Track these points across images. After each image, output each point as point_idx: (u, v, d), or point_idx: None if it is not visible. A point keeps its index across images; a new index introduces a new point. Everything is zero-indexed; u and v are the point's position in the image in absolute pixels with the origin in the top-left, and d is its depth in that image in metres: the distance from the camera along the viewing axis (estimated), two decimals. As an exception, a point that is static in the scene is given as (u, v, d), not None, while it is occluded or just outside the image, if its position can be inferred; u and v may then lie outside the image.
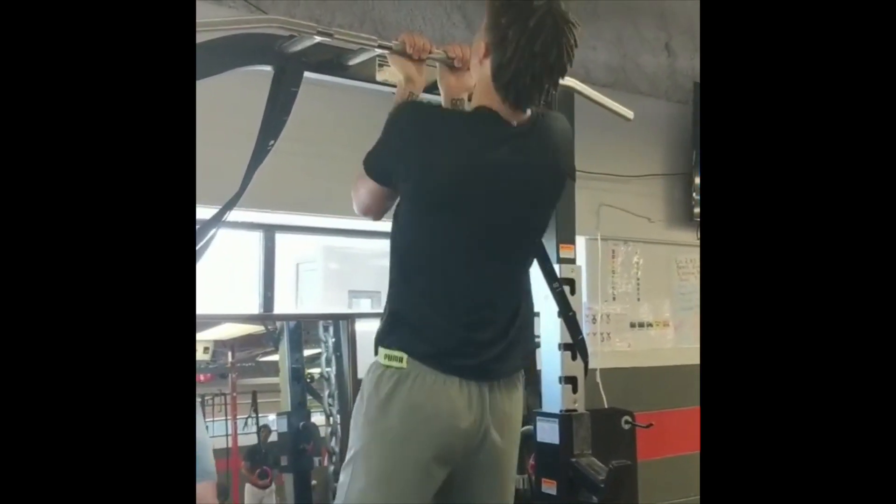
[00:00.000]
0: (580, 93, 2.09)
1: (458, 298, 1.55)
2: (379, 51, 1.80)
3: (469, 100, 1.83)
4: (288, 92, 1.78)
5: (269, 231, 2.92)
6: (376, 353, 1.57)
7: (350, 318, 2.87)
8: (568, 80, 2.06)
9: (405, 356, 1.51)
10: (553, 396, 2.20)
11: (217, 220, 1.73)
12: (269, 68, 1.83)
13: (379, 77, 1.94)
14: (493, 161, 1.53)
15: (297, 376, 3.23)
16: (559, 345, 2.19)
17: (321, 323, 3.13)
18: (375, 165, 1.59)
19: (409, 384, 1.50)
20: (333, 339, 3.10)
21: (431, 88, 1.80)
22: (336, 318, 3.08)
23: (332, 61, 1.87)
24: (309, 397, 3.08)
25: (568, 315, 2.13)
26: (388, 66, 1.95)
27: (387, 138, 1.58)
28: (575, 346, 2.16)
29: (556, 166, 1.63)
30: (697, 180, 3.81)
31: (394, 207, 1.62)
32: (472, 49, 1.60)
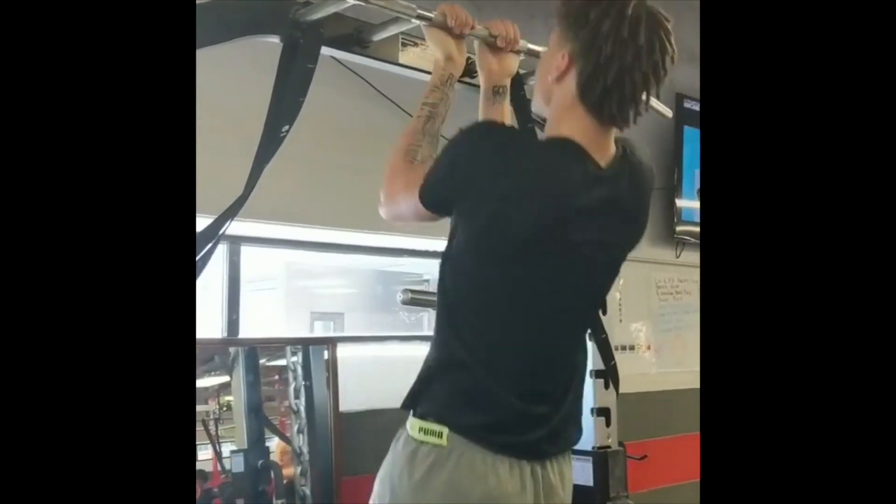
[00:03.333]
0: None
1: (518, 363, 1.29)
2: (411, 24, 1.52)
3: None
4: (303, 68, 1.48)
5: (235, 243, 2.57)
6: (408, 411, 1.29)
7: (332, 343, 2.54)
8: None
9: (446, 431, 1.23)
10: (584, 431, 1.93)
11: (218, 229, 1.40)
12: (276, 40, 1.53)
13: (402, 59, 1.66)
14: (580, 212, 1.26)
15: (255, 409, 2.89)
16: (590, 371, 1.93)
17: (288, 348, 2.79)
18: (433, 194, 1.29)
19: (451, 465, 1.23)
20: (303, 367, 2.76)
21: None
22: (307, 343, 2.75)
23: (350, 36, 1.58)
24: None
25: (601, 338, 1.88)
26: (413, 45, 1.68)
27: (453, 163, 1.28)
28: (607, 372, 1.91)
29: (638, 220, 1.39)
30: (685, 198, 3.65)
31: (447, 241, 1.32)
32: (543, 68, 1.33)
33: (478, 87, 1.61)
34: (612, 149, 1.30)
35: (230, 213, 1.39)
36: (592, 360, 1.93)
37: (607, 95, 1.23)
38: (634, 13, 1.22)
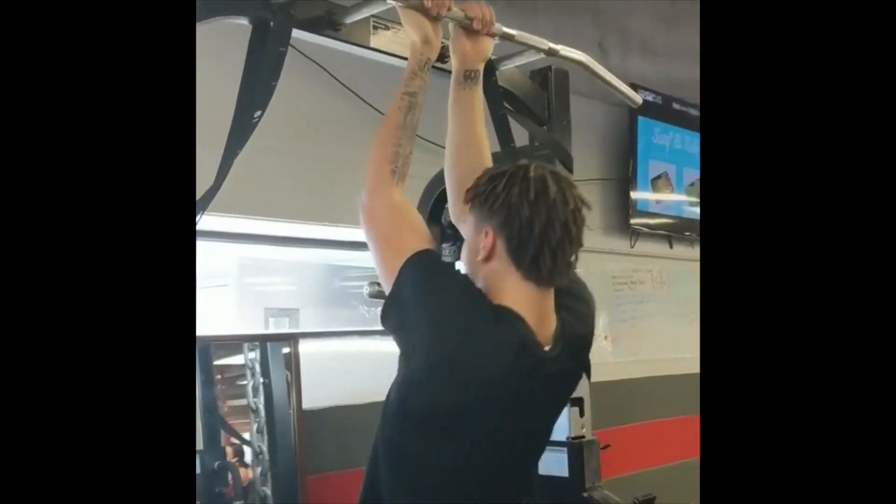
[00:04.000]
0: (590, 70, 1.82)
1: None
2: (386, 5, 1.47)
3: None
4: (275, 51, 1.42)
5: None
6: None
7: (293, 339, 2.47)
8: (578, 55, 1.80)
9: None
10: (558, 422, 1.91)
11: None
12: (245, 23, 1.46)
13: (373, 42, 1.61)
14: (522, 389, 1.28)
15: (210, 409, 2.79)
16: (564, 361, 1.90)
17: (246, 345, 2.70)
18: (390, 314, 1.28)
19: None
20: (261, 364, 2.68)
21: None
22: (263, 340, 2.67)
23: (322, 18, 1.52)
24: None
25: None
26: (385, 29, 1.62)
27: (406, 307, 1.26)
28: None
29: (578, 376, 1.43)
30: (639, 190, 3.67)
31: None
32: (471, 249, 1.32)
33: (448, 72, 1.56)
34: (554, 319, 1.32)
35: (200, 205, 1.32)
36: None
37: (539, 256, 1.25)
38: (536, 174, 1.26)
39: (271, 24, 1.44)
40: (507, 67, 1.80)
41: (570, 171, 2.03)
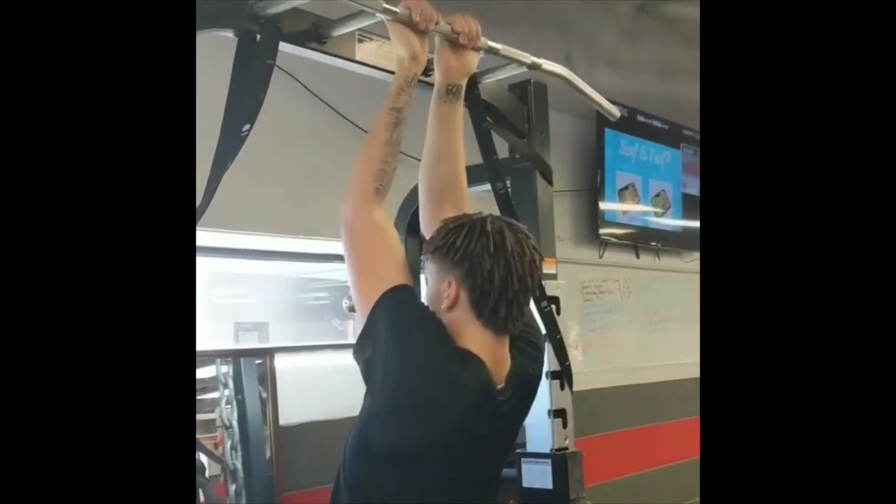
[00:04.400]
0: (571, 84, 1.84)
1: None
2: (372, 20, 1.46)
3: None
4: (263, 64, 1.40)
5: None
6: None
7: (269, 353, 2.44)
8: (560, 69, 1.82)
9: None
10: (541, 433, 1.91)
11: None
12: (230, 35, 1.44)
13: (359, 55, 1.60)
14: (478, 428, 1.32)
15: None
16: (547, 373, 1.90)
17: (218, 360, 2.66)
18: (361, 349, 1.29)
19: None
20: (234, 380, 2.64)
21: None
22: (239, 355, 2.63)
23: (308, 31, 1.50)
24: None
25: (556, 339, 1.85)
26: (370, 41, 1.62)
27: (377, 343, 1.27)
28: (562, 373, 1.89)
29: (524, 415, 1.47)
30: (607, 200, 3.70)
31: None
32: (435, 296, 1.34)
33: (431, 85, 1.56)
34: (508, 361, 1.36)
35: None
36: (548, 361, 1.92)
37: (498, 307, 1.29)
38: (494, 227, 1.30)
39: (257, 36, 1.43)
40: (489, 81, 1.80)
41: (550, 182, 2.05)
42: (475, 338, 1.31)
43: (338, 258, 3.26)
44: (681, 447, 3.95)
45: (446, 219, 1.38)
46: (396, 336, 1.27)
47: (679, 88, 4.21)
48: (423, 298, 1.40)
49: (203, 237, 2.58)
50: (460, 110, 1.53)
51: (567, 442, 1.95)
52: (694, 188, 4.08)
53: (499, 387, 1.33)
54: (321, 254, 3.12)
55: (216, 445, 2.67)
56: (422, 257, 1.43)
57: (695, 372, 4.51)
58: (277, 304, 3.42)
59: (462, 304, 1.31)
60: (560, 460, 1.89)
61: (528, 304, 1.36)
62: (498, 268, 1.28)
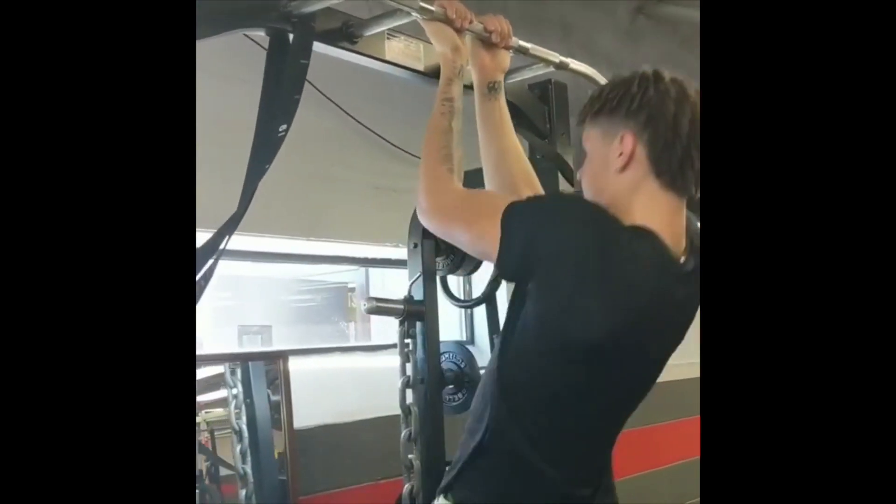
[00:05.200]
0: (596, 83, 1.83)
1: (573, 451, 1.26)
2: (406, 19, 1.45)
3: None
4: (297, 64, 1.38)
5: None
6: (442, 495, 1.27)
7: (283, 356, 2.41)
8: (586, 69, 1.81)
9: None
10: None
11: (215, 247, 1.29)
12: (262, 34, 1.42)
13: (388, 54, 1.58)
14: (663, 311, 1.21)
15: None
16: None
17: (227, 365, 2.63)
18: (509, 266, 1.19)
19: None
20: (243, 384, 2.61)
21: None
22: (247, 359, 2.60)
23: (340, 30, 1.49)
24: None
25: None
26: (399, 39, 1.60)
27: (534, 238, 1.15)
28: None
29: (697, 304, 1.29)
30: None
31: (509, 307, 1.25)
32: (595, 164, 1.24)
33: (467, 87, 1.55)
34: (685, 235, 1.23)
35: (227, 229, 1.28)
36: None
37: (686, 159, 1.17)
38: (672, 76, 1.21)
39: (290, 35, 1.41)
40: (514, 81, 1.79)
41: (572, 183, 2.04)
42: (651, 205, 1.18)
43: (340, 259, 3.23)
44: (658, 454, 3.97)
45: (600, 86, 1.27)
46: (546, 222, 1.15)
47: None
48: (581, 174, 1.26)
49: (205, 239, 2.55)
50: (504, 105, 1.53)
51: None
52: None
53: (681, 260, 1.20)
54: (324, 255, 3.10)
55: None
56: (579, 124, 1.29)
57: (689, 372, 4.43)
58: (280, 306, 3.40)
59: (639, 161, 1.18)
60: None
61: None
62: (684, 114, 1.16)
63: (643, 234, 1.16)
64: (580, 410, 1.23)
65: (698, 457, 1.04)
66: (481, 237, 1.20)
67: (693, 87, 1.20)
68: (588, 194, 1.26)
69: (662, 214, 1.19)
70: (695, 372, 1.12)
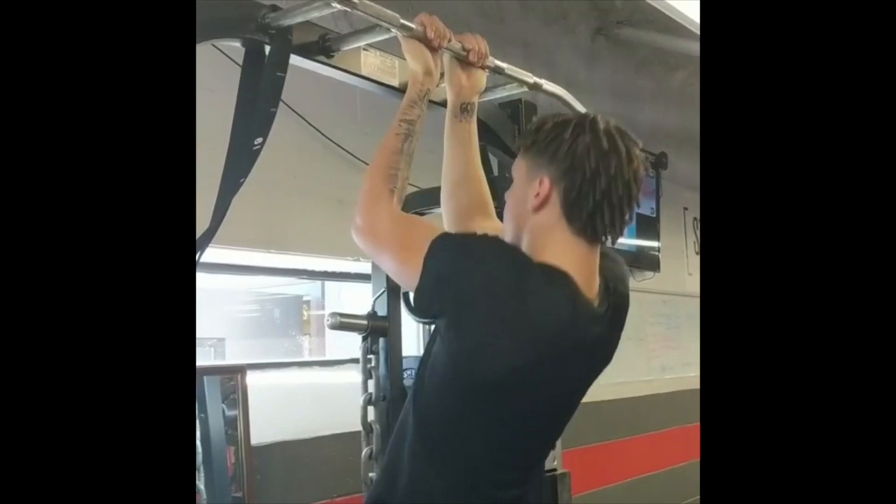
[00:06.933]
0: (567, 104, 1.86)
1: (494, 472, 1.27)
2: (384, 35, 1.44)
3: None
4: (273, 77, 1.36)
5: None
6: None
7: (241, 370, 2.37)
8: (557, 90, 1.83)
9: None
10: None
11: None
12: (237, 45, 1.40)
13: (363, 69, 1.57)
14: (574, 351, 1.22)
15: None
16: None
17: (181, 379, 2.56)
18: (422, 302, 1.21)
19: None
20: (196, 398, 2.54)
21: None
22: (200, 372, 2.54)
23: (316, 44, 1.47)
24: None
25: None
26: (374, 53, 1.59)
27: (443, 277, 1.18)
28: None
29: (613, 348, 1.33)
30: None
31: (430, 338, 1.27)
32: (516, 199, 1.26)
33: (439, 104, 1.55)
34: (597, 278, 1.26)
35: (201, 243, 1.26)
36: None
37: (597, 212, 1.19)
38: (606, 126, 1.21)
39: (266, 48, 1.39)
40: (485, 100, 1.79)
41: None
42: (562, 247, 1.21)
43: (300, 272, 3.17)
44: (643, 461, 3.98)
45: (545, 115, 1.29)
46: (465, 268, 1.17)
47: (633, 111, 4.30)
48: (507, 196, 1.28)
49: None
50: (475, 128, 1.53)
51: (555, 463, 1.95)
52: (647, 209, 4.13)
53: (595, 303, 1.23)
54: (284, 268, 3.05)
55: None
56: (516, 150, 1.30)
57: (646, 389, 4.60)
58: (233, 318, 3.33)
59: (552, 206, 1.21)
60: (550, 483, 1.89)
61: (630, 216, 1.23)
62: (606, 169, 1.18)
63: (556, 276, 1.19)
64: (493, 440, 1.24)
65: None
66: (405, 268, 1.22)
67: (630, 138, 1.23)
68: (507, 217, 1.29)
69: (574, 257, 1.21)
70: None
